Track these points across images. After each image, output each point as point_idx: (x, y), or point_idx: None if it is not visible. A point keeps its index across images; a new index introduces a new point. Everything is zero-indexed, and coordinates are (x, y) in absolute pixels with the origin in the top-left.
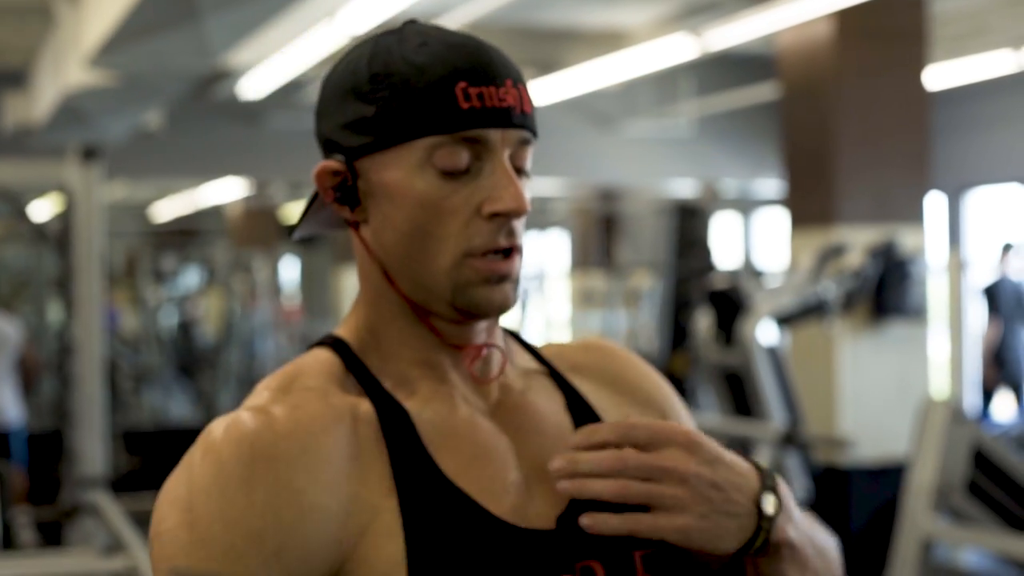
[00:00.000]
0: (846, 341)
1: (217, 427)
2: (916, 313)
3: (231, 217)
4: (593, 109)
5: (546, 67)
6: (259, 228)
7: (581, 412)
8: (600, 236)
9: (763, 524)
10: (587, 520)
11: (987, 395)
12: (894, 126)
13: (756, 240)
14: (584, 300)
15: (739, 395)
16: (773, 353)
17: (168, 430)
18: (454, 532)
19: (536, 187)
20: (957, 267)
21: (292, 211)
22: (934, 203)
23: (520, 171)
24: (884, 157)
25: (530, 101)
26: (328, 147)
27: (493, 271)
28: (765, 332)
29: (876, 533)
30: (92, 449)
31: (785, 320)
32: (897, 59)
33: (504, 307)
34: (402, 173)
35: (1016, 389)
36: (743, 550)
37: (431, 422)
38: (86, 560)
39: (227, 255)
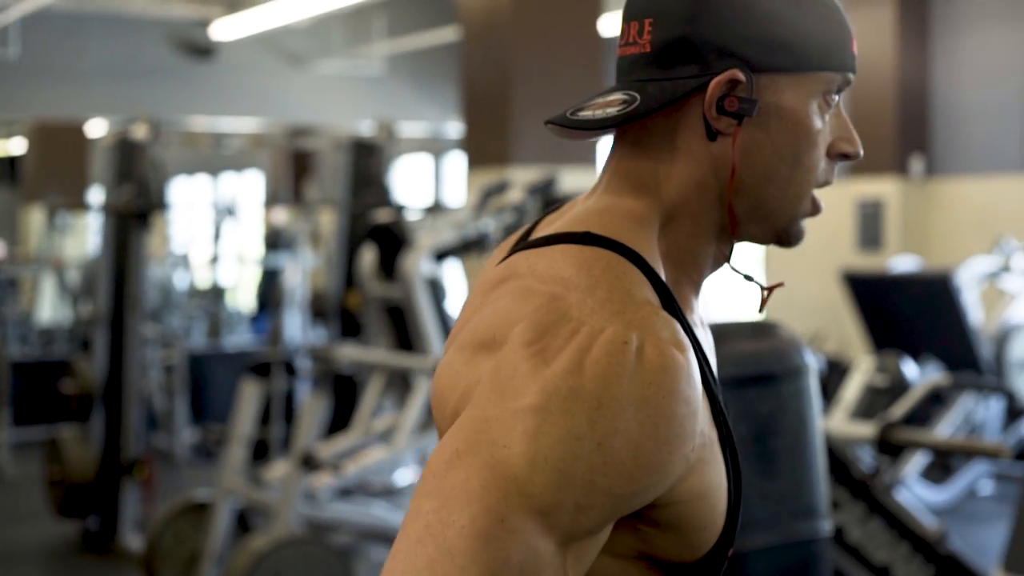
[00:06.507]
0: None
1: (639, 345)
2: None
3: None
4: (285, 47)
5: (234, 4)
6: None
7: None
8: (290, 174)
9: None
10: None
11: None
12: (569, 71)
13: (446, 181)
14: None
15: (401, 328)
16: (433, 286)
17: None
18: (729, 441)
19: (231, 125)
20: None
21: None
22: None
23: None
24: (558, 102)
25: None
26: (715, 54)
27: (819, 207)
28: (425, 266)
29: None
30: None
31: (445, 254)
32: (573, 7)
33: (802, 241)
34: (800, 100)
35: None
36: None
37: (698, 341)
38: None
39: None
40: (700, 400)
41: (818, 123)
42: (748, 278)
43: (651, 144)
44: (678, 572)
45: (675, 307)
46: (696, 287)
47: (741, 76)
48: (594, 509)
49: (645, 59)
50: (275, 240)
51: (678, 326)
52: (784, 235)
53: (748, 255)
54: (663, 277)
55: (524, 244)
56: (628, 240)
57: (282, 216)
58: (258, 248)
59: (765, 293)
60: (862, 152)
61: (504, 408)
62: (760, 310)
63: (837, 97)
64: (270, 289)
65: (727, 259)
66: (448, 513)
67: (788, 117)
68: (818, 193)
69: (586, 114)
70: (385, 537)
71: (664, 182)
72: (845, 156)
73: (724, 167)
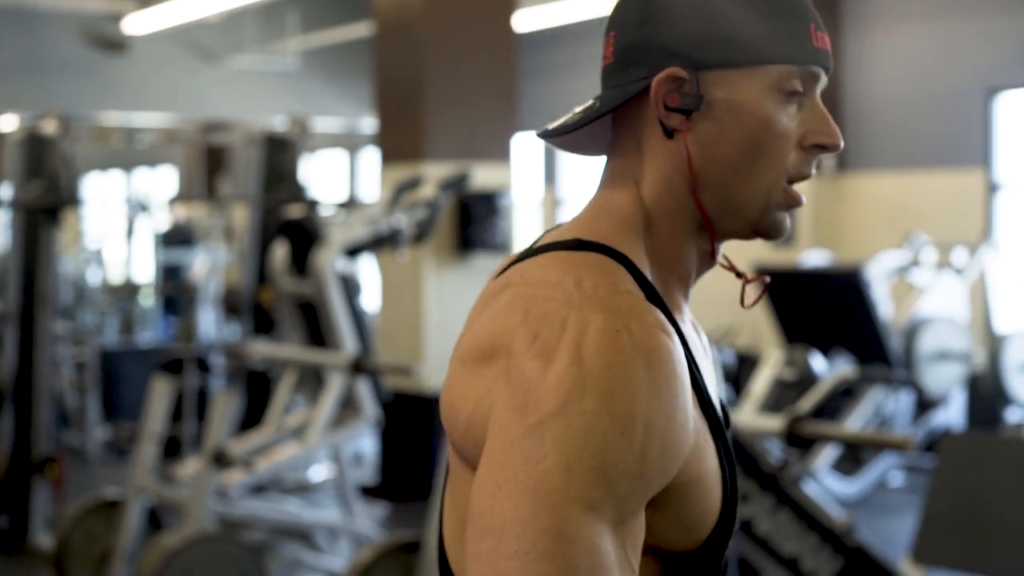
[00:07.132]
0: (432, 273)
1: (629, 331)
2: (501, 246)
3: None
4: (197, 42)
5: None
6: None
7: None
8: (204, 170)
9: None
10: None
11: None
12: (483, 67)
13: (362, 177)
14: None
15: (313, 324)
16: (345, 282)
17: None
18: (720, 434)
19: (143, 120)
20: (552, 203)
21: None
22: (524, 142)
23: None
24: (473, 97)
25: None
26: (661, 55)
27: (796, 199)
28: (337, 262)
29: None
30: None
31: (358, 250)
32: (487, 3)
33: (786, 233)
34: (753, 93)
35: None
36: None
37: (685, 338)
38: None
39: None
40: (688, 383)
41: (777, 115)
42: (738, 275)
43: (625, 146)
44: (678, 563)
45: (661, 305)
46: (685, 288)
47: (682, 73)
48: (633, 494)
49: (610, 69)
50: (178, 236)
51: (661, 314)
52: (761, 228)
53: None
54: (649, 278)
55: (520, 257)
56: (616, 243)
57: (183, 212)
58: (158, 244)
59: (754, 288)
60: (842, 143)
61: (526, 424)
62: (744, 304)
63: (801, 90)
64: (177, 287)
65: (712, 257)
66: (508, 546)
67: (742, 111)
68: (798, 187)
69: (558, 123)
70: (298, 533)
71: (640, 180)
72: (823, 147)
73: (684, 163)
